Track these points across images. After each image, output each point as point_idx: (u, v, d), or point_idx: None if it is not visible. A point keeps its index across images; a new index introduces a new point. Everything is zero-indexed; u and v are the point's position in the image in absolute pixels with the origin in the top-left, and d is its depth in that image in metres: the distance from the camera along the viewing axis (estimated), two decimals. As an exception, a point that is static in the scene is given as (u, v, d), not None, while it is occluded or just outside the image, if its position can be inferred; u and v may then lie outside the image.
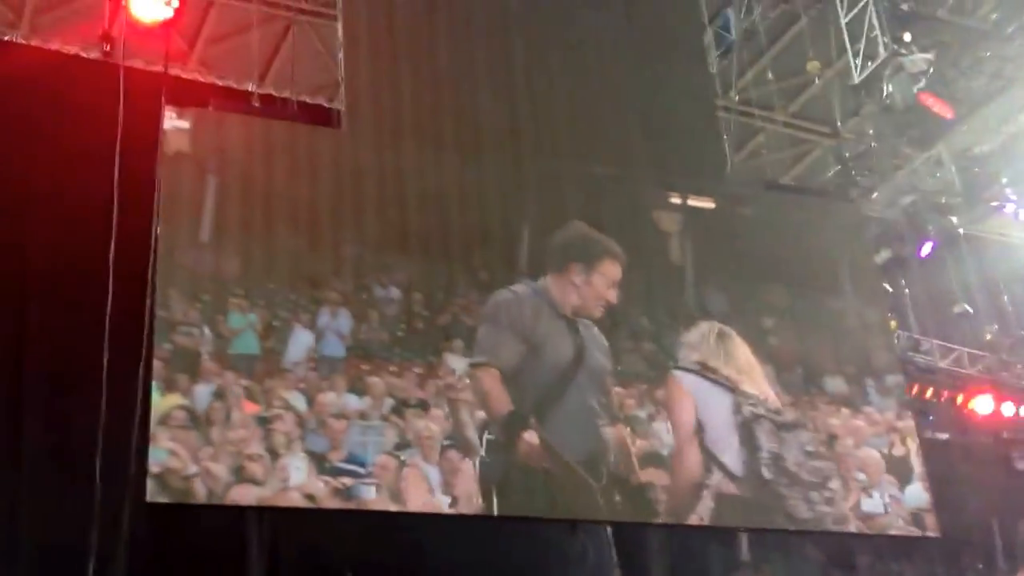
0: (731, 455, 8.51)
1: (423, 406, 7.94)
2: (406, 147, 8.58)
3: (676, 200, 9.62)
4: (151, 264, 7.50)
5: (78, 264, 7.65)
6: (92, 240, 7.63)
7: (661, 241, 9.46)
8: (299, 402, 7.64)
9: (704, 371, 8.79)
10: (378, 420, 7.79)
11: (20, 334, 7.51)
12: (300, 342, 7.88)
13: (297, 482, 7.36)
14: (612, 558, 8.62)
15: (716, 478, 8.41)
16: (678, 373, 8.81)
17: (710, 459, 8.45)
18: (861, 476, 9.03)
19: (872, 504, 8.97)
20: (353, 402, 7.82)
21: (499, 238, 8.78)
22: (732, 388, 8.76)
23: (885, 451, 9.23)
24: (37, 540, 7.22)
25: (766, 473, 8.53)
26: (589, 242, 8.80)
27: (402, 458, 7.70)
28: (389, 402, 7.89)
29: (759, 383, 8.90)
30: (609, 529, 8.67)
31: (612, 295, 8.67)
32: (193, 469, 7.17)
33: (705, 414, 8.61)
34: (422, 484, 7.69)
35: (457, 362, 8.17)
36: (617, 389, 8.59)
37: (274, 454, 7.38)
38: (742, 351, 8.99)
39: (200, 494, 7.12)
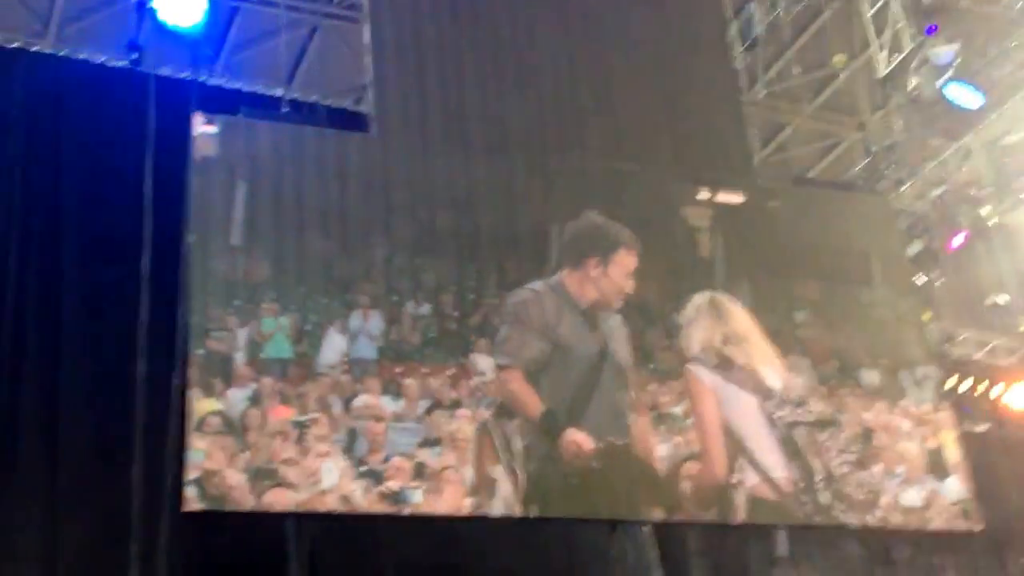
0: (761, 453, 8.44)
1: (457, 406, 7.93)
2: (435, 149, 8.55)
3: (705, 195, 9.55)
4: (183, 271, 7.56)
5: (111, 271, 7.69)
6: (124, 247, 7.72)
7: (690, 237, 9.39)
8: (335, 405, 7.66)
9: (719, 365, 8.68)
10: (413, 422, 7.79)
11: (55, 344, 7.50)
12: (333, 345, 7.88)
13: (334, 485, 7.35)
14: (652, 558, 8.55)
15: (747, 476, 8.34)
16: (693, 368, 8.71)
17: (739, 456, 8.38)
18: (899, 469, 8.95)
19: (911, 498, 8.89)
20: (388, 404, 7.81)
21: (528, 238, 8.74)
22: (750, 378, 8.68)
23: (922, 444, 9.15)
24: (76, 549, 7.20)
25: (798, 469, 8.47)
26: (602, 233, 8.73)
27: (439, 459, 7.67)
28: (424, 403, 7.89)
29: (771, 364, 8.83)
30: (647, 529, 8.59)
31: (630, 285, 8.59)
32: (230, 475, 7.16)
33: (728, 411, 8.54)
34: (459, 486, 7.67)
35: (484, 361, 8.16)
36: (651, 386, 8.54)
37: (311, 458, 7.36)
38: (740, 318, 8.92)
39: (237, 500, 7.10)
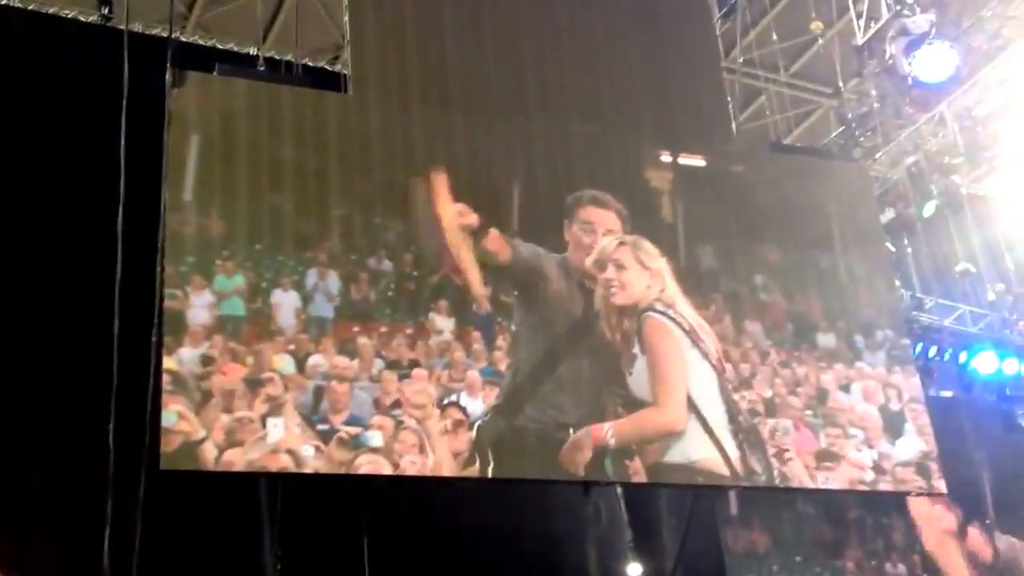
0: (712, 411, 8.31)
1: (414, 366, 7.84)
2: (413, 110, 8.47)
3: (667, 158, 9.53)
4: (161, 229, 7.47)
5: (85, 230, 7.60)
6: (98, 205, 7.62)
7: (653, 199, 9.34)
8: (288, 365, 7.53)
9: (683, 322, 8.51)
10: (367, 381, 7.70)
11: (30, 303, 7.43)
12: (288, 304, 7.73)
13: (279, 440, 7.23)
14: (623, 518, 8.66)
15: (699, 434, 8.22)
16: (657, 317, 8.47)
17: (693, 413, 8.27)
18: (855, 431, 8.98)
19: (865, 458, 8.93)
20: (343, 363, 7.71)
21: (503, 196, 8.66)
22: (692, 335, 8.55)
23: (880, 406, 9.17)
24: (51, 511, 7.18)
25: (748, 430, 8.41)
26: (584, 199, 8.73)
27: (397, 419, 7.61)
28: (379, 363, 7.79)
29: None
30: (620, 490, 8.68)
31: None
32: (189, 433, 7.06)
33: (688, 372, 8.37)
34: (416, 446, 7.59)
35: (444, 323, 8.07)
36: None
37: (265, 417, 7.26)
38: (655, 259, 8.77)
39: (198, 460, 7.02)
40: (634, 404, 8.13)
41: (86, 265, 7.59)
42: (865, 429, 9.02)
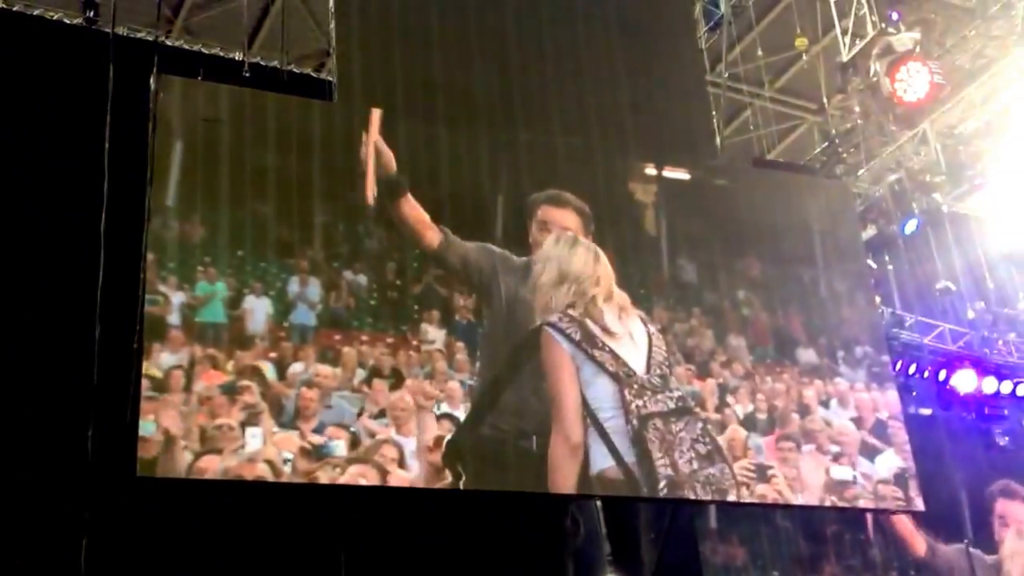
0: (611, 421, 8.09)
1: (396, 376, 7.82)
2: (397, 119, 8.45)
3: (651, 171, 9.55)
4: (144, 234, 7.44)
5: (69, 233, 7.57)
6: (82, 209, 7.58)
7: (638, 212, 9.36)
8: (269, 372, 7.50)
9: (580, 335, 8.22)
10: (349, 391, 7.68)
11: (12, 307, 7.39)
12: (268, 311, 7.72)
13: (258, 451, 7.21)
14: (602, 532, 8.65)
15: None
16: (550, 331, 8.20)
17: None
18: (833, 448, 9.02)
19: (843, 474, 8.96)
20: (325, 372, 7.69)
21: (483, 208, 8.64)
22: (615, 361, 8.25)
23: (858, 422, 9.22)
24: (31, 518, 7.14)
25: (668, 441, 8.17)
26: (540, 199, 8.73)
27: (375, 430, 7.59)
28: (361, 373, 7.76)
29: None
30: (599, 503, 8.68)
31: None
32: (165, 440, 7.02)
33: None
34: (396, 457, 7.58)
35: (435, 333, 8.07)
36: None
37: (242, 425, 7.24)
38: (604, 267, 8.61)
39: (171, 467, 6.98)
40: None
41: (68, 267, 7.57)
42: (843, 445, 9.06)
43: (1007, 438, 11.18)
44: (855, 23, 10.04)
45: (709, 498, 8.29)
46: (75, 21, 8.71)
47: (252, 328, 7.62)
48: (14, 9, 8.76)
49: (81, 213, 7.41)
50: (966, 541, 10.27)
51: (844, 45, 10.06)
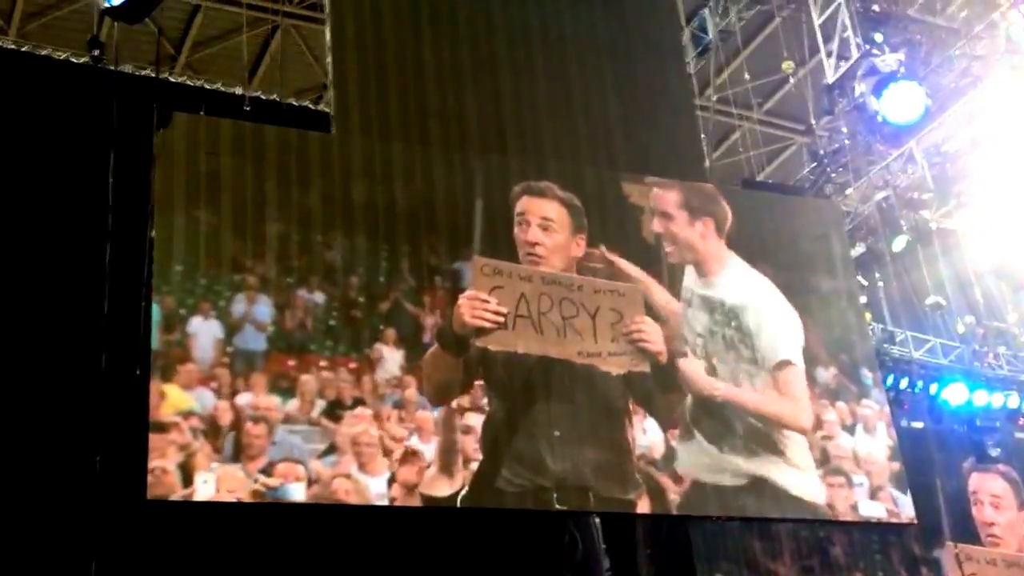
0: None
1: (359, 405, 7.22)
2: (394, 148, 8.62)
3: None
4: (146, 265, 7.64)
5: (74, 267, 7.80)
6: (87, 242, 7.81)
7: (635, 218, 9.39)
8: (208, 402, 6.86)
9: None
10: (305, 424, 7.06)
11: (19, 338, 7.60)
12: (210, 334, 7.08)
13: (206, 495, 6.67)
14: (600, 547, 8.81)
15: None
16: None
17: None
18: (834, 464, 9.13)
19: (844, 491, 9.06)
20: (277, 403, 7.01)
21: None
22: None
23: (856, 439, 9.31)
24: (41, 541, 7.31)
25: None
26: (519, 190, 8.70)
27: (334, 467, 7.03)
28: (321, 403, 7.12)
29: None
30: (597, 519, 8.82)
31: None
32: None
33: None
34: (360, 494, 7.10)
35: (391, 355, 7.49)
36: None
37: (181, 467, 6.67)
38: None
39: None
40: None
41: (75, 298, 7.77)
42: (841, 462, 9.15)
43: (999, 450, 11.31)
44: (840, 45, 10.25)
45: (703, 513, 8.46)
46: (82, 60, 8.95)
47: (191, 354, 7.03)
48: (23, 50, 9.06)
49: (87, 245, 7.63)
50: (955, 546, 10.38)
51: (830, 67, 10.27)
